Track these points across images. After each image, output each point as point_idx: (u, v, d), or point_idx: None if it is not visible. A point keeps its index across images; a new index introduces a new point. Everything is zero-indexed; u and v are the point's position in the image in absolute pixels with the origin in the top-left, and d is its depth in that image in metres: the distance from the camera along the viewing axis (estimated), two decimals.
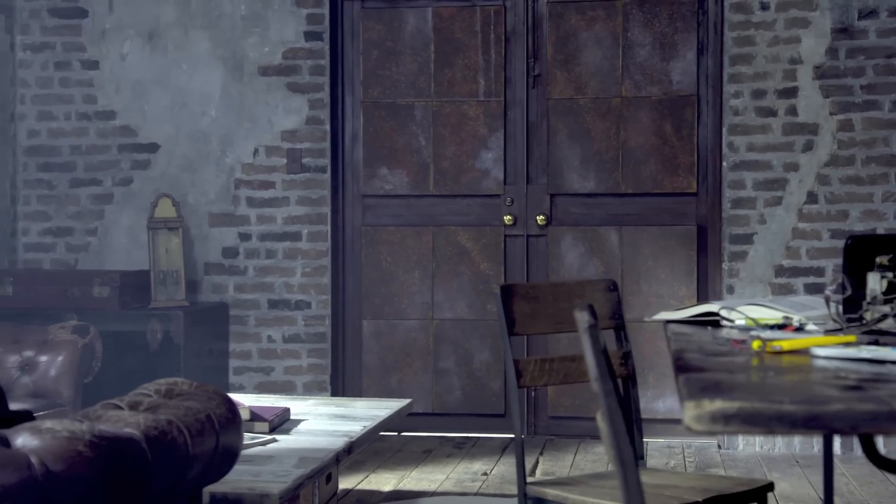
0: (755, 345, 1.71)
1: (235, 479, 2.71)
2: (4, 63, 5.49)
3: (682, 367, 1.57)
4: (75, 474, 1.66)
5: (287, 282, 5.46)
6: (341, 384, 5.59)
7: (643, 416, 5.29)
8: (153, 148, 5.51)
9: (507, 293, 2.40)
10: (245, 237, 5.49)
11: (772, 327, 2.00)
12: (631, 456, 1.45)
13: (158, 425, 1.86)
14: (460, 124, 5.49)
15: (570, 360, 2.44)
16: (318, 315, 5.45)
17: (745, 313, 2.09)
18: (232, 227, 5.49)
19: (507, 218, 5.42)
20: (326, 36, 5.41)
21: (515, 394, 2.39)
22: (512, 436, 5.35)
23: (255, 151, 5.47)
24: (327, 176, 5.44)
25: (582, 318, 1.52)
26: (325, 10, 5.40)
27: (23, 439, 1.69)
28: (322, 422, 3.54)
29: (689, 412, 1.20)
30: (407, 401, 3.92)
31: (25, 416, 1.93)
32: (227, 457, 2.14)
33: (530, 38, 5.46)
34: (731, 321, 2.12)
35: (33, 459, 1.64)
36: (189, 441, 1.92)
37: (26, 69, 5.59)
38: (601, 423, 1.58)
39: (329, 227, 5.45)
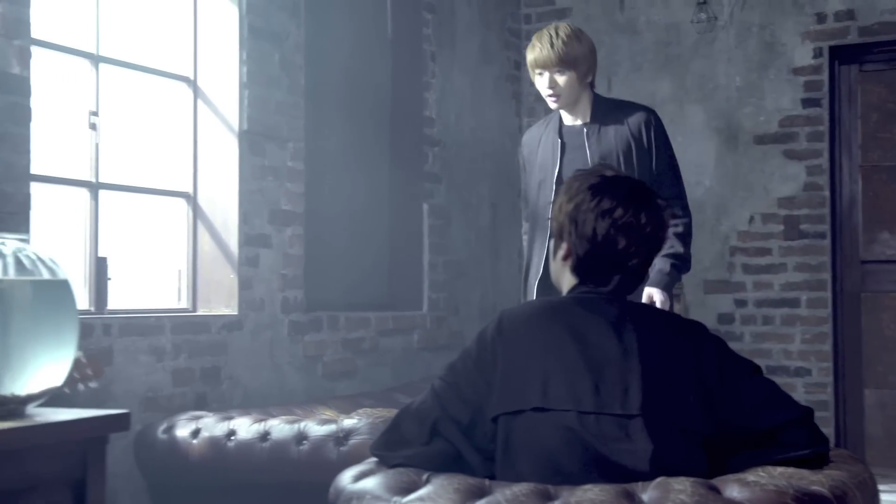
0: None
1: None
2: (514, 143, 6.01)
3: None
4: None
5: (785, 348, 5.44)
6: None
7: None
8: None
9: None
10: (741, 303, 5.55)
11: None
12: None
13: (839, 485, 1.96)
14: None
15: None
16: (820, 383, 5.37)
17: None
18: (728, 293, 5.57)
19: None
20: (825, 102, 5.39)
21: None
22: None
23: (751, 219, 5.54)
24: (827, 242, 5.38)
25: None
26: (825, 77, 5.39)
27: (732, 490, 1.85)
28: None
29: None
30: None
31: None
32: None
33: None
34: None
35: None
36: (861, 502, 2.00)
37: None
38: None
39: (829, 294, 5.37)
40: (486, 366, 2.04)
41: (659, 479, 1.86)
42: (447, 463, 2.05)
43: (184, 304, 4.07)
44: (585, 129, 3.36)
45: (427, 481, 1.99)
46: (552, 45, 3.30)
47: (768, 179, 5.51)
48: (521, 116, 6.08)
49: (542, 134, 3.47)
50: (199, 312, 4.04)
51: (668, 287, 3.39)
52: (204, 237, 4.09)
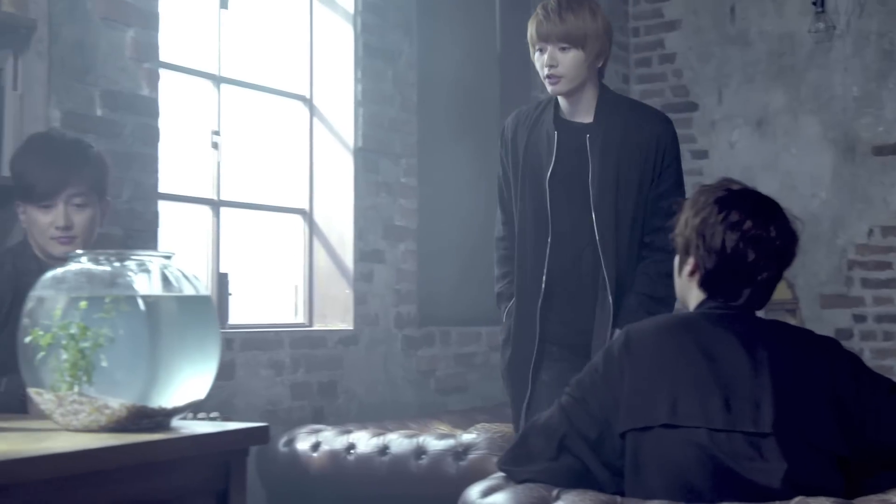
0: None
1: None
2: None
3: None
4: None
5: None
6: None
7: None
8: None
9: None
10: (860, 319, 5.40)
11: None
12: None
13: None
14: None
15: None
16: None
17: None
18: (846, 308, 5.43)
19: None
20: None
21: None
22: None
23: (870, 232, 5.39)
24: None
25: None
26: None
27: None
28: None
29: None
30: None
31: None
32: None
33: None
34: None
35: None
36: None
37: None
38: None
39: None
40: (614, 381, 2.02)
41: (797, 499, 1.82)
42: (575, 478, 2.04)
43: (300, 318, 4.14)
44: (589, 130, 2.78)
45: (558, 497, 1.98)
46: (560, 15, 2.72)
47: (888, 191, 5.36)
48: None
49: (538, 120, 2.86)
50: (316, 327, 4.10)
51: None
52: (320, 253, 4.15)
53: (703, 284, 2.07)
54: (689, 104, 5.90)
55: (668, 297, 2.72)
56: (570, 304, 2.81)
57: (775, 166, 5.64)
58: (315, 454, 3.35)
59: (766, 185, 5.62)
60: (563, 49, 2.72)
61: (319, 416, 3.87)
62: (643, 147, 2.77)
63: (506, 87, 5.13)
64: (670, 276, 2.70)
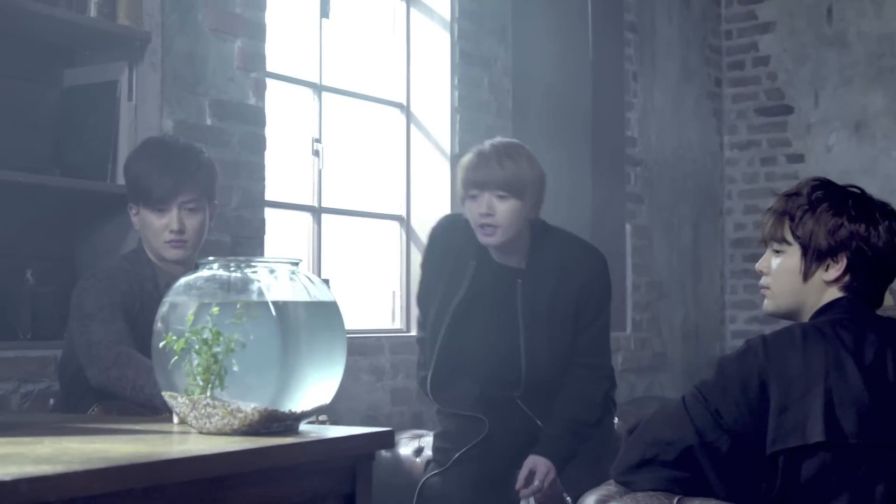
0: None
1: None
2: (715, 162, 5.90)
3: None
4: None
5: None
6: None
7: None
8: None
9: None
10: None
11: None
12: None
13: None
14: None
15: None
16: None
17: None
18: None
19: None
20: None
21: None
22: None
23: None
24: None
25: None
26: None
27: None
28: None
29: None
30: None
31: None
32: None
33: None
34: None
35: None
36: None
37: (733, 166, 5.95)
38: None
39: None
40: (752, 395, 1.87)
41: None
42: (693, 491, 1.99)
43: (397, 324, 4.16)
44: (520, 279, 2.69)
45: None
46: (500, 162, 2.58)
47: None
48: (721, 134, 5.96)
49: (461, 247, 2.72)
50: (413, 333, 4.11)
51: (558, 458, 2.68)
52: (416, 259, 4.17)
53: (850, 288, 1.97)
54: (784, 107, 5.81)
55: (596, 420, 2.72)
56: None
57: (874, 170, 5.52)
58: (418, 459, 3.36)
59: (866, 190, 5.50)
60: (501, 197, 2.57)
61: (418, 422, 3.89)
62: (574, 291, 2.67)
63: (598, 93, 5.11)
64: (598, 404, 2.74)
